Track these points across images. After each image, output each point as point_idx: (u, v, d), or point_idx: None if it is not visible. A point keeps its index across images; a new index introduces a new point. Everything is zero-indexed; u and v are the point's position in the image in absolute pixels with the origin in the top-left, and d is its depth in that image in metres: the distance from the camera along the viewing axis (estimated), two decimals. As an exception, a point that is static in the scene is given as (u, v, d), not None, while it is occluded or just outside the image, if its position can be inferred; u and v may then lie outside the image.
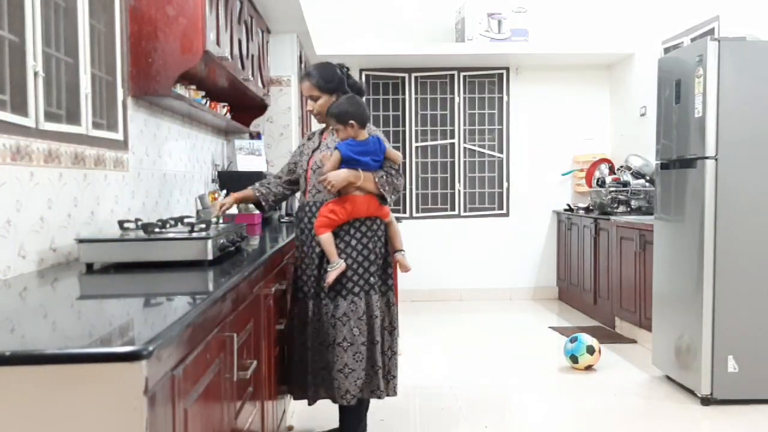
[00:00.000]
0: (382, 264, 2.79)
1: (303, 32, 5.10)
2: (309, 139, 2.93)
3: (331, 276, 2.64)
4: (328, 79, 2.76)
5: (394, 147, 3.08)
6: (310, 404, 2.81)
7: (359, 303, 2.68)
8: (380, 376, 2.72)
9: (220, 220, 2.73)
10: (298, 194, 3.08)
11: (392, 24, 6.18)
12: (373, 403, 3.28)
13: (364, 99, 2.83)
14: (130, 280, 1.84)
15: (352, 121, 2.65)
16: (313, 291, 2.72)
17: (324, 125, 2.90)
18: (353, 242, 2.70)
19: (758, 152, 3.33)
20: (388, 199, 2.73)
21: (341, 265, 2.65)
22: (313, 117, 2.87)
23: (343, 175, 2.63)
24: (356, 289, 2.68)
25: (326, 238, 2.66)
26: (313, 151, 2.80)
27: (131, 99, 2.77)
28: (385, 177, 2.71)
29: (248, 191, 2.94)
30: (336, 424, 3.01)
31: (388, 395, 2.80)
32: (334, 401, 2.74)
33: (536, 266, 6.58)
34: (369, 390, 2.74)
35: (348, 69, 2.89)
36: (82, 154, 2.29)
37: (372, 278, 2.71)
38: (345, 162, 2.66)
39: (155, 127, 3.11)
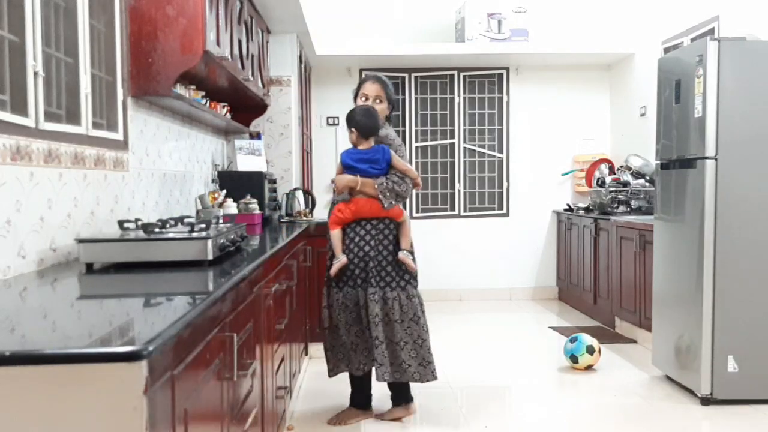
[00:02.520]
0: (393, 260, 3.07)
1: (303, 32, 5.10)
2: None
3: (334, 268, 3.04)
4: (392, 91, 3.24)
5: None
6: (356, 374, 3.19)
7: (353, 294, 3.06)
8: (378, 362, 3.03)
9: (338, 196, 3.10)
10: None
11: (392, 24, 6.18)
12: (373, 403, 3.29)
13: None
14: (130, 280, 1.84)
15: (353, 128, 3.03)
16: (333, 281, 3.11)
17: None
18: (356, 239, 3.06)
19: (758, 152, 3.33)
20: (386, 204, 3.02)
21: (342, 260, 3.02)
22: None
23: (344, 180, 3.03)
24: (352, 282, 3.06)
25: (334, 234, 3.06)
26: None
27: (131, 99, 2.77)
28: (385, 183, 3.02)
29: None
30: (334, 414, 3.29)
31: (397, 380, 3.08)
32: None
33: (536, 266, 6.58)
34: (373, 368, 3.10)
35: None
36: (82, 154, 2.29)
37: (370, 273, 3.03)
38: (346, 168, 3.05)
39: (155, 127, 3.11)
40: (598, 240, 5.40)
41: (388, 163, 3.02)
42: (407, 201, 6.45)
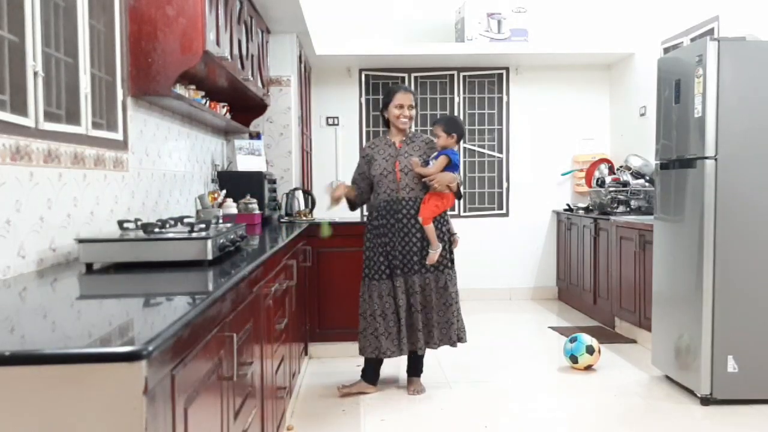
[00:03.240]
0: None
1: (303, 32, 5.10)
2: (374, 147, 3.55)
3: (436, 256, 3.41)
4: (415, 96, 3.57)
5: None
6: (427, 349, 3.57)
7: (446, 275, 3.49)
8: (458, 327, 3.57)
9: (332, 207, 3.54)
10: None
11: (392, 24, 6.18)
12: (373, 402, 3.30)
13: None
14: (130, 280, 1.84)
15: (454, 134, 3.41)
16: (416, 267, 3.44)
17: (385, 134, 3.57)
18: (443, 228, 3.49)
19: (758, 152, 3.32)
20: (461, 195, 3.54)
21: (440, 247, 3.43)
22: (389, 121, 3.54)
23: (449, 178, 3.37)
24: (447, 263, 3.50)
25: (432, 227, 3.40)
26: (395, 158, 3.45)
27: (131, 99, 2.77)
28: (459, 178, 3.48)
29: (354, 190, 3.60)
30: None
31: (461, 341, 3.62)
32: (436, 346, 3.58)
33: (536, 266, 6.58)
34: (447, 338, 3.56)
35: None
36: (82, 154, 2.29)
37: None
38: (452, 168, 3.38)
39: (155, 127, 3.11)
40: (597, 240, 5.40)
41: None
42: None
